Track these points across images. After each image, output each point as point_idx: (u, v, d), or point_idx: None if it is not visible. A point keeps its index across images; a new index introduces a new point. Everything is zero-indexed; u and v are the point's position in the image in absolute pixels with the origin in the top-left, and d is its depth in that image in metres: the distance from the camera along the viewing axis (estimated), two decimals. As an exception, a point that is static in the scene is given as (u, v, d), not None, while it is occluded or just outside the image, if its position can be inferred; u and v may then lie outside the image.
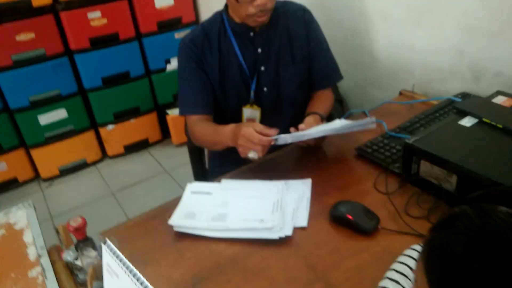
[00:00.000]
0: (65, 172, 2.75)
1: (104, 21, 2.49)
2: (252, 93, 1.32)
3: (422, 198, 0.96)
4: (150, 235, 0.96)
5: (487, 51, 1.28)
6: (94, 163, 2.85)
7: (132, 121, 2.84)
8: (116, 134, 2.82)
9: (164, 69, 2.81)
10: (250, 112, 1.35)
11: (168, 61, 2.80)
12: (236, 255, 0.88)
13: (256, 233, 0.91)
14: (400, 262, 0.72)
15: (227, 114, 1.36)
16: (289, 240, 0.90)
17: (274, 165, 1.19)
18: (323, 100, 1.37)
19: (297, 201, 1.00)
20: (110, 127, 2.78)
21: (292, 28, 1.31)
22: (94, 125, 2.79)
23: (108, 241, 0.56)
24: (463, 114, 1.05)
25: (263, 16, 1.18)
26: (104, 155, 2.90)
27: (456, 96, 1.31)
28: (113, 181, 2.66)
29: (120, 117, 2.78)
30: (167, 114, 2.83)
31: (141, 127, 2.90)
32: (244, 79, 1.31)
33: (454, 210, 0.47)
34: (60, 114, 2.59)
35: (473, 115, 1.03)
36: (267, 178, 1.09)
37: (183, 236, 0.94)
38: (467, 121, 1.02)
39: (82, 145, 2.76)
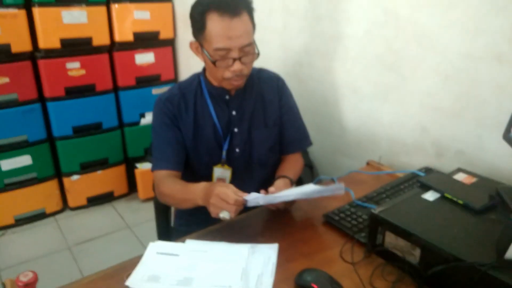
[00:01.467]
0: (21, 221, 2.60)
1: (83, 72, 2.52)
2: (224, 153, 1.33)
3: (387, 269, 0.96)
4: (105, 296, 0.91)
5: (448, 130, 1.36)
6: (54, 213, 2.73)
7: (99, 172, 2.77)
8: (80, 185, 2.73)
9: (138, 123, 2.82)
10: (221, 171, 1.35)
11: (143, 115, 2.82)
12: (195, 322, 0.84)
13: (218, 299, 0.87)
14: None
15: (198, 173, 1.35)
16: (251, 308, 0.87)
17: (241, 227, 1.17)
18: (293, 164, 1.39)
19: (262, 266, 0.98)
20: (75, 177, 2.70)
21: (266, 94, 1.36)
22: (59, 174, 2.70)
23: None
24: (426, 188, 1.09)
25: (239, 80, 1.23)
26: (65, 206, 2.79)
27: (420, 170, 1.37)
28: (71, 234, 2.53)
29: (87, 167, 2.72)
30: (136, 167, 2.79)
31: (108, 179, 2.83)
32: (217, 139, 1.32)
33: None
34: (24, 160, 2.50)
35: (435, 190, 1.07)
36: (234, 240, 1.07)
37: (140, 298, 0.89)
38: (430, 195, 1.06)
39: (43, 194, 2.65)
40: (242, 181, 1.34)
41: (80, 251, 2.38)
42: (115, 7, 2.55)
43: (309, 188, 1.09)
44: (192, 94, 1.32)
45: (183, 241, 1.08)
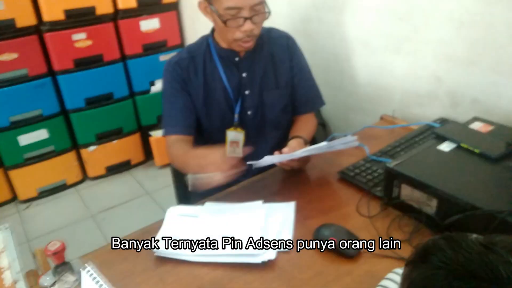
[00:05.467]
0: (44, 193, 2.68)
1: (89, 42, 2.49)
2: (236, 116, 1.33)
3: (404, 221, 0.97)
4: (131, 260, 0.94)
5: (463, 79, 1.33)
6: (74, 184, 2.79)
7: (115, 142, 2.81)
8: (97, 155, 2.78)
9: (148, 91, 2.81)
10: (234, 135, 1.35)
11: (152, 83, 2.80)
12: (219, 280, 0.87)
13: (239, 258, 0.90)
14: (382, 286, 0.73)
15: (211, 136, 1.36)
16: (272, 264, 0.90)
17: (258, 188, 1.19)
18: (306, 124, 1.39)
19: (281, 224, 1.00)
20: (92, 148, 2.74)
21: (276, 54, 1.34)
22: (76, 146, 2.75)
23: (88, 266, 0.55)
24: (442, 139, 1.08)
25: (249, 41, 1.20)
26: (84, 176, 2.85)
27: (435, 121, 1.35)
28: (93, 203, 2.61)
29: (102, 138, 2.75)
30: (150, 135, 2.81)
31: (124, 148, 2.87)
32: (229, 102, 1.32)
33: (427, 242, 0.49)
34: (41, 134, 2.54)
35: (451, 140, 1.06)
36: (251, 200, 1.09)
37: (164, 260, 0.93)
38: (446, 146, 1.05)
39: (62, 166, 2.71)
40: (255, 143, 1.35)
41: (103, 218, 2.46)
42: (115, -28, 2.48)
43: (322, 145, 1.09)
44: (201, 57, 1.30)
45: (202, 204, 1.10)
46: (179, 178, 1.55)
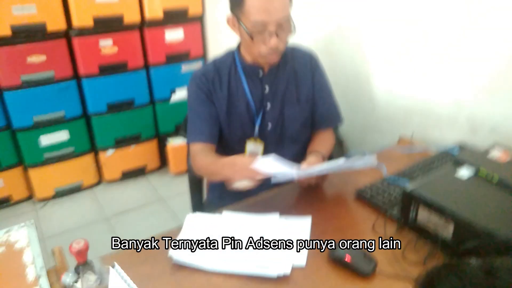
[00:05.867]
0: (61, 193, 2.74)
1: (115, 49, 2.57)
2: (256, 128, 1.36)
3: (419, 244, 0.98)
4: (149, 263, 0.97)
5: (484, 106, 1.34)
6: (91, 186, 2.85)
7: (132, 147, 2.86)
8: (115, 159, 2.83)
9: (168, 99, 2.87)
10: (253, 146, 1.38)
11: (173, 92, 2.86)
12: (234, 290, 0.89)
13: (255, 270, 0.91)
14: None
15: (231, 147, 1.39)
16: (287, 279, 0.91)
17: (274, 202, 1.21)
18: (324, 139, 1.41)
19: (296, 238, 1.01)
20: (110, 152, 2.80)
21: (299, 71, 1.37)
22: (94, 149, 2.81)
23: (117, 265, 0.58)
24: (460, 165, 1.09)
25: (274, 56, 1.24)
26: (101, 179, 2.91)
27: (454, 146, 1.35)
28: (108, 206, 2.65)
29: (120, 142, 2.81)
30: (167, 143, 2.86)
31: (141, 154, 2.92)
32: (250, 114, 1.35)
33: (430, 272, 0.50)
34: (62, 135, 2.61)
35: (470, 167, 1.07)
36: (267, 213, 1.11)
37: (182, 266, 0.95)
38: (464, 172, 1.05)
39: (80, 168, 2.77)
40: (274, 156, 1.38)
41: (118, 221, 2.49)
42: (145, -16, 2.56)
43: (342, 162, 1.11)
44: (226, 70, 1.34)
45: (219, 213, 1.12)
46: (195, 186, 1.58)
